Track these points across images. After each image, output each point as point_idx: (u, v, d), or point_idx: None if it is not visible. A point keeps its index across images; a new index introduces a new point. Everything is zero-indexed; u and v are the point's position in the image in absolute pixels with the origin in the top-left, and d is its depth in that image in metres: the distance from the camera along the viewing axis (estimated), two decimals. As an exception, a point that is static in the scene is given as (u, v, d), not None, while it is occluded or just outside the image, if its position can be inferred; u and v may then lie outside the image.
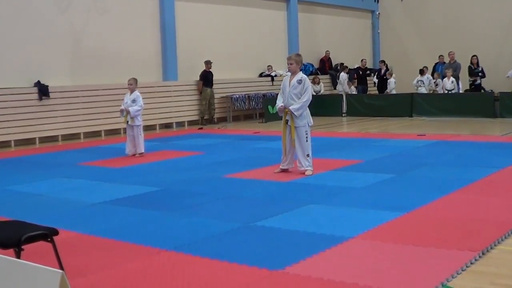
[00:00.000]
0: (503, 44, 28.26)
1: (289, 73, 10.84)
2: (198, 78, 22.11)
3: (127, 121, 13.78)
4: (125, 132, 14.40)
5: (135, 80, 14.10)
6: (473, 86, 23.32)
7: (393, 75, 25.69)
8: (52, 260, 4.94)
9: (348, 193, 8.82)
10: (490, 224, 6.74)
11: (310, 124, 10.63)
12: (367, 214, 7.42)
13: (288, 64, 10.65)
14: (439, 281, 4.93)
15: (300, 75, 10.58)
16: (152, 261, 5.82)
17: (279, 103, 10.69)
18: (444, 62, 24.89)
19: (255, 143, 15.63)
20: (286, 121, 10.59)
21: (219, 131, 19.75)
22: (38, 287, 2.98)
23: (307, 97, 10.43)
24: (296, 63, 10.58)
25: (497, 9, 28.62)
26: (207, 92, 22.05)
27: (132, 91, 13.89)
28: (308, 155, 10.48)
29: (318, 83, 25.92)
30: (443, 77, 23.71)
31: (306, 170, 10.45)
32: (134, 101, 13.75)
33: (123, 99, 14.16)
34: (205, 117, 22.18)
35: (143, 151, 13.74)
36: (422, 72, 24.94)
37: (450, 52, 23.97)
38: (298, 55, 10.93)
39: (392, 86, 25.08)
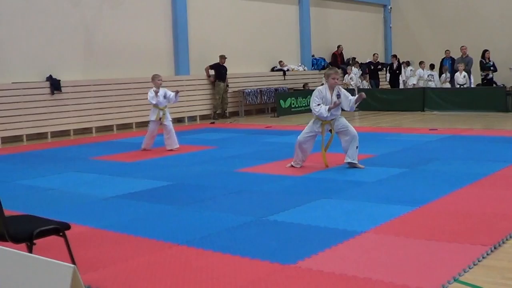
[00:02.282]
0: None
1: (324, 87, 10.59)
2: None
3: (159, 118, 13.71)
4: (137, 127, 14.37)
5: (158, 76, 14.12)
6: (485, 81, 23.23)
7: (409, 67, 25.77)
8: (64, 254, 4.96)
9: (361, 187, 8.81)
10: (502, 218, 6.72)
11: None
12: (380, 208, 7.41)
13: (335, 79, 10.32)
14: (451, 275, 4.92)
15: (336, 89, 10.39)
16: (164, 255, 5.82)
17: (324, 108, 10.30)
18: (451, 57, 24.85)
19: (267, 137, 15.62)
20: (330, 130, 10.53)
21: (231, 125, 19.76)
22: (50, 281, 2.99)
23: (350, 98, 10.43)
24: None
25: (509, 3, 28.47)
26: (220, 87, 22.07)
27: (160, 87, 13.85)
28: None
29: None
30: (452, 71, 23.70)
31: (356, 163, 10.38)
32: (165, 97, 13.75)
33: (148, 94, 13.90)
34: (217, 111, 22.18)
35: (177, 146, 13.65)
36: (432, 66, 24.89)
37: (462, 46, 23.89)
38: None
39: (413, 81, 25.11)
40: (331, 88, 10.39)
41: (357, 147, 10.36)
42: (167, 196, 8.72)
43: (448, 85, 23.78)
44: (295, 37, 26.85)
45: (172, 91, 13.83)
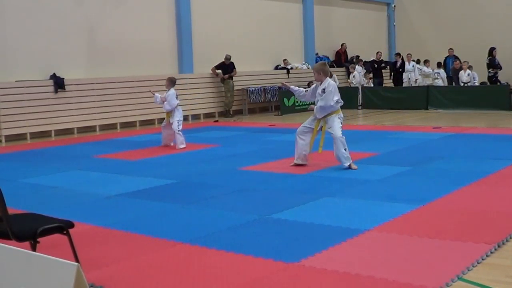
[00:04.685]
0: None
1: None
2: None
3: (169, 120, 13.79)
4: (140, 125, 14.38)
5: (169, 79, 14.24)
6: (494, 79, 23.23)
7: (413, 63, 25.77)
8: (68, 252, 4.97)
9: (364, 185, 8.80)
10: (505, 216, 6.71)
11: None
12: (383, 206, 7.41)
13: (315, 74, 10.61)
14: (455, 273, 4.91)
15: (325, 83, 10.52)
16: (167, 253, 5.83)
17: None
18: (454, 55, 24.86)
19: (271, 135, 15.62)
20: (321, 128, 10.44)
21: (234, 123, 19.75)
22: (53, 280, 3.00)
23: (324, 102, 10.35)
24: (317, 73, 10.59)
25: (513, 1, 28.50)
26: (230, 84, 22.10)
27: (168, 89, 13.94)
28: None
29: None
30: (455, 70, 23.72)
31: (345, 164, 10.19)
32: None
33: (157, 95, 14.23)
34: (231, 108, 22.21)
35: (183, 146, 13.66)
36: (439, 64, 24.88)
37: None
38: (322, 64, 10.96)
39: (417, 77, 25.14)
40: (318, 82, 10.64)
41: (345, 149, 10.13)
42: (171, 194, 8.72)
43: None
44: (299, 35, 26.84)
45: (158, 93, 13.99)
